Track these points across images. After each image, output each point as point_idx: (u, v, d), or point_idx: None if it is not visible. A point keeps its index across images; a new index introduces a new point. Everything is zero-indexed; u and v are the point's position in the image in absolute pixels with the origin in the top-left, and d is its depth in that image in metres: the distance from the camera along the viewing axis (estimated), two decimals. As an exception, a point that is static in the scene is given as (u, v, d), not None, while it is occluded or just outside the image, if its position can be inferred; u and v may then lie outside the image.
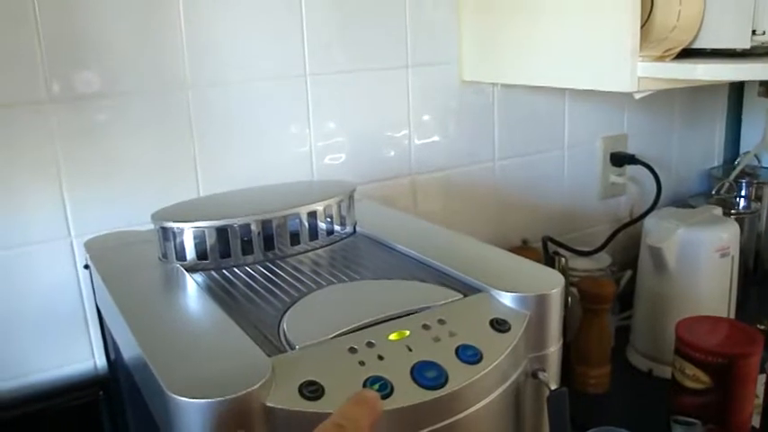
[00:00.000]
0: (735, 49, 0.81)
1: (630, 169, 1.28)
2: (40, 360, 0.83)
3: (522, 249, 1.10)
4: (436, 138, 1.06)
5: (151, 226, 0.68)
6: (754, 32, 0.79)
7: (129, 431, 0.74)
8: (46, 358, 0.84)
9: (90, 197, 0.82)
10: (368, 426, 0.40)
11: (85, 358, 0.86)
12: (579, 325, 1.00)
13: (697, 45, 0.83)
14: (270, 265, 0.65)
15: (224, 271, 0.65)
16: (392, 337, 0.50)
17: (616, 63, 0.82)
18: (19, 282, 0.80)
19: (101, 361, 0.86)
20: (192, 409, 0.42)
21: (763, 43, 0.80)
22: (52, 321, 0.83)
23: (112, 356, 0.75)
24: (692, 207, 1.14)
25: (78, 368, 0.86)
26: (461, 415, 0.48)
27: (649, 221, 1.06)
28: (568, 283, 1.03)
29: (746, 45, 0.80)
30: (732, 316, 1.06)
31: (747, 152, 1.36)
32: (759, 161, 1.37)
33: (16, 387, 0.83)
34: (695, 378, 0.85)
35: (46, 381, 0.84)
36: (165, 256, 0.66)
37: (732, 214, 1.25)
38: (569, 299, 1.03)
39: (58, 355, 0.85)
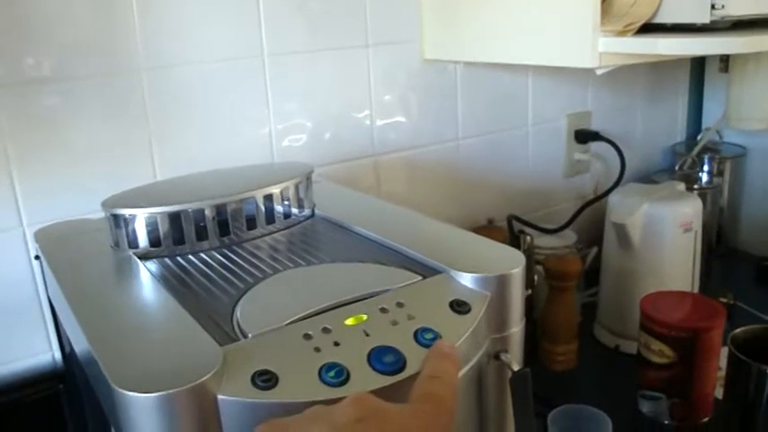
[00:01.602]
0: (695, 24, 0.81)
1: (595, 146, 1.28)
2: (-3, 354, 0.81)
3: (488, 228, 1.09)
4: (399, 118, 1.04)
5: (101, 216, 0.65)
6: (713, 7, 0.78)
7: (88, 426, 0.73)
8: (2, 352, 0.82)
9: (42, 185, 0.80)
10: (457, 375, 0.43)
11: (43, 351, 0.84)
12: (545, 303, 1.00)
13: (657, 20, 0.83)
14: (226, 251, 0.63)
15: (178, 258, 0.63)
16: (349, 321, 0.48)
17: (577, 38, 0.81)
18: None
19: (59, 353, 0.84)
20: (139, 403, 0.41)
21: (722, 17, 0.80)
22: (7, 314, 0.81)
23: (67, 350, 0.72)
24: (656, 183, 1.15)
25: (36, 361, 0.84)
26: (421, 399, 0.47)
27: (613, 198, 1.06)
28: (534, 262, 1.03)
29: (706, 20, 0.79)
30: (696, 290, 1.07)
31: (709, 128, 1.37)
32: (721, 136, 1.38)
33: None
34: (660, 353, 0.86)
35: (4, 375, 0.82)
36: (117, 244, 0.64)
37: (695, 189, 1.27)
38: (535, 277, 1.03)
39: (15, 349, 0.83)
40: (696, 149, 1.31)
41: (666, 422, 0.87)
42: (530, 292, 1.01)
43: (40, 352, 0.84)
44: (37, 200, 0.80)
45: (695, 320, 0.85)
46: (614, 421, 0.79)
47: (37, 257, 0.70)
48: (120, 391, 0.41)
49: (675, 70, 1.41)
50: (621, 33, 0.80)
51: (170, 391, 0.40)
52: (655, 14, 0.83)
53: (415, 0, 1.01)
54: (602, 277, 1.10)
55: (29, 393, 0.81)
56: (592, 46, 0.80)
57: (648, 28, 0.83)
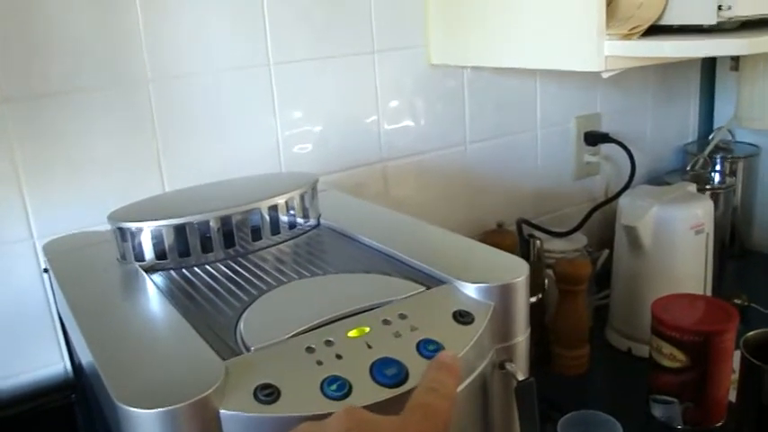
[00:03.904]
0: (702, 26, 0.80)
1: (605, 148, 1.27)
2: (9, 365, 0.82)
3: (497, 232, 1.09)
4: (406, 123, 1.04)
5: (108, 228, 0.66)
6: (719, 8, 0.78)
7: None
8: (16, 363, 0.82)
9: (52, 198, 0.80)
10: (455, 387, 0.41)
11: (55, 361, 0.85)
12: (556, 307, 1.00)
13: (664, 22, 0.83)
14: (231, 263, 0.64)
15: (184, 270, 0.63)
16: (351, 334, 0.48)
17: (583, 42, 0.81)
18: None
19: (70, 364, 0.85)
20: (140, 419, 0.41)
21: (729, 18, 0.79)
22: (20, 325, 0.82)
23: (77, 361, 0.73)
24: (668, 184, 1.14)
25: (49, 372, 0.85)
26: (424, 411, 0.47)
27: (623, 200, 1.05)
28: (544, 266, 1.03)
29: (713, 21, 0.79)
30: (709, 292, 1.06)
31: (721, 127, 1.36)
32: (732, 136, 1.36)
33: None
34: (672, 357, 0.85)
35: (17, 385, 0.83)
36: (123, 257, 0.65)
37: (707, 190, 1.25)
38: (546, 281, 1.02)
39: (28, 359, 0.83)
40: (708, 149, 1.30)
41: (679, 427, 0.86)
42: (540, 296, 1.01)
43: (53, 363, 0.85)
44: (47, 212, 0.80)
45: (707, 324, 0.84)
46: (627, 426, 0.79)
47: (46, 270, 0.71)
48: (123, 406, 0.41)
49: (686, 70, 1.39)
50: (627, 36, 0.80)
51: (172, 407, 0.41)
52: (661, 16, 0.83)
53: (420, 6, 1.01)
54: (613, 280, 1.09)
55: (42, 403, 0.82)
56: (597, 50, 0.79)
57: (655, 30, 0.82)
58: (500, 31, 0.92)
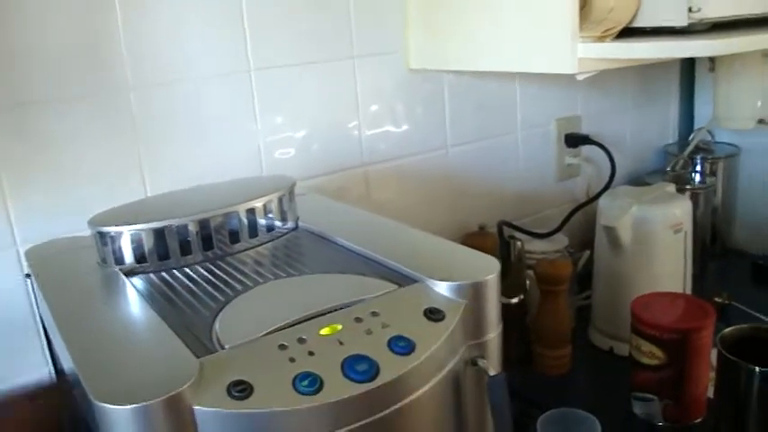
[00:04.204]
0: (674, 27, 0.82)
1: (585, 150, 1.28)
2: (-4, 370, 0.82)
3: (479, 235, 1.10)
4: (387, 127, 1.05)
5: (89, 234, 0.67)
6: (690, 10, 0.79)
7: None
8: (2, 368, 0.83)
9: (35, 204, 0.81)
10: None
11: (40, 366, 0.85)
12: (537, 307, 1.01)
13: (637, 24, 0.84)
14: (210, 265, 0.65)
15: (164, 273, 0.64)
16: (323, 331, 0.49)
17: (557, 45, 0.82)
18: (-34, 292, 0.79)
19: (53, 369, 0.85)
20: (116, 415, 0.42)
21: (700, 20, 0.80)
22: (4, 331, 0.82)
23: (59, 366, 0.74)
24: (648, 184, 1.15)
25: (34, 377, 0.85)
26: (396, 406, 0.48)
27: (603, 201, 1.06)
28: (525, 267, 1.04)
29: (684, 22, 0.80)
30: (689, 291, 1.07)
31: (701, 128, 1.37)
32: (712, 136, 1.38)
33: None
34: (651, 354, 0.86)
35: (3, 390, 0.83)
36: (104, 260, 0.65)
37: (687, 190, 1.27)
38: (527, 282, 1.04)
39: (13, 365, 0.83)
40: (688, 150, 1.31)
41: (660, 424, 0.87)
42: (522, 297, 1.03)
43: (37, 367, 0.85)
44: (29, 219, 0.81)
45: (684, 321, 0.85)
46: (608, 423, 0.79)
47: (28, 276, 0.72)
48: (99, 403, 0.42)
49: (665, 72, 1.41)
50: (600, 39, 0.81)
51: (146, 403, 0.42)
52: (634, 19, 0.84)
53: (399, 11, 1.02)
54: (594, 280, 1.10)
55: (29, 408, 0.82)
56: (571, 52, 0.81)
57: (629, 32, 0.84)
58: (477, 35, 0.93)
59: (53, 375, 0.86)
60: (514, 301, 1.01)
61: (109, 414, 0.42)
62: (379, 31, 1.01)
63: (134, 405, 0.42)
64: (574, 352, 1.02)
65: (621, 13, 0.82)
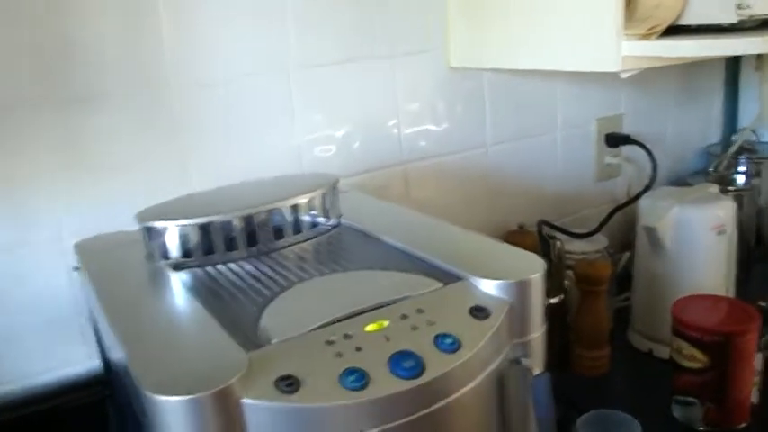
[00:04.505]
0: (721, 25, 0.80)
1: (626, 150, 1.27)
2: (42, 361, 0.85)
3: (519, 234, 1.09)
4: (426, 126, 1.06)
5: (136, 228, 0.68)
6: (738, 6, 0.78)
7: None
8: (48, 359, 0.85)
9: (82, 200, 0.83)
10: None
11: (85, 359, 0.87)
12: (577, 308, 1.00)
13: (683, 22, 0.83)
14: (254, 261, 0.65)
15: (209, 268, 0.65)
16: (370, 327, 0.50)
17: (601, 43, 0.82)
18: (17, 285, 0.81)
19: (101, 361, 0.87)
20: (167, 406, 0.43)
21: (750, 17, 0.79)
22: (51, 323, 0.84)
23: (107, 358, 0.75)
24: (690, 185, 1.14)
25: (82, 368, 0.87)
26: (441, 403, 0.48)
27: (644, 201, 1.05)
28: (565, 267, 1.03)
29: (732, 20, 0.79)
30: (731, 293, 1.06)
31: (745, 128, 1.35)
32: (757, 136, 1.35)
33: (21, 389, 0.84)
34: (692, 357, 0.85)
35: (48, 381, 0.85)
36: (150, 255, 0.67)
37: (730, 191, 1.24)
38: (566, 282, 1.03)
39: (60, 356, 0.86)
40: (731, 150, 1.29)
41: (701, 428, 0.86)
42: (562, 297, 1.02)
43: (82, 360, 0.87)
44: (77, 213, 0.83)
45: (728, 324, 0.84)
46: (647, 427, 0.78)
47: (76, 269, 0.73)
48: (150, 395, 0.43)
49: (709, 70, 1.39)
50: (645, 37, 0.80)
51: (197, 395, 0.42)
52: (680, 16, 0.83)
53: (440, 10, 1.02)
54: (634, 281, 1.09)
55: (72, 399, 0.84)
56: (615, 50, 0.80)
57: (674, 30, 0.83)
58: (519, 33, 0.93)
59: (99, 367, 0.87)
60: (554, 301, 1.01)
61: (159, 405, 0.43)
62: (419, 29, 1.01)
63: (184, 396, 0.42)
64: (612, 354, 1.01)
65: (667, 10, 0.81)
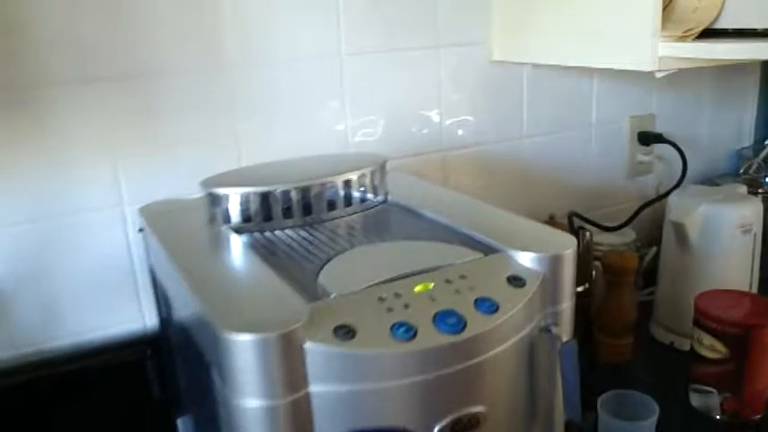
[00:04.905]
0: (757, 29, 0.83)
1: (658, 148, 1.30)
2: (93, 320, 0.90)
3: (550, 223, 1.12)
4: (466, 116, 1.10)
5: (196, 196, 0.74)
6: (775, 12, 0.81)
7: (179, 385, 0.81)
8: (99, 318, 0.90)
9: (141, 169, 0.88)
10: None
11: (135, 319, 0.92)
12: (603, 297, 1.04)
13: (719, 25, 0.86)
14: (308, 229, 0.71)
15: (267, 233, 0.71)
16: (417, 288, 0.55)
17: (638, 43, 0.85)
18: (75, 246, 0.87)
19: (150, 321, 0.93)
20: (241, 344, 0.48)
21: (786, 22, 0.82)
22: (105, 284, 0.90)
23: (164, 314, 0.81)
24: (719, 186, 1.16)
25: (128, 328, 0.92)
26: (478, 359, 0.53)
27: (673, 198, 1.08)
28: (592, 257, 1.07)
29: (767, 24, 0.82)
30: (755, 291, 1.08)
31: (777, 132, 1.37)
32: (790, 141, 1.37)
33: (71, 344, 0.89)
34: (712, 348, 0.88)
35: (99, 339, 0.91)
36: (212, 219, 0.73)
37: (760, 193, 1.27)
38: (594, 272, 1.06)
39: (110, 316, 0.91)
40: (763, 153, 1.31)
41: (718, 417, 0.89)
42: (587, 285, 1.05)
43: (132, 320, 0.92)
44: (135, 181, 0.88)
45: (748, 317, 0.87)
46: (666, 414, 0.81)
47: (141, 230, 0.79)
48: (225, 333, 0.49)
49: (743, 73, 1.41)
50: (681, 38, 0.83)
51: (267, 334, 0.48)
52: (716, 20, 0.86)
53: (485, 4, 1.07)
54: (659, 275, 1.12)
55: (119, 356, 0.89)
56: (652, 50, 0.83)
57: (711, 33, 0.86)
58: (560, 31, 0.96)
59: (147, 327, 0.93)
60: (580, 289, 1.04)
61: (233, 343, 0.49)
62: (464, 23, 1.06)
63: (256, 335, 0.48)
64: (635, 344, 1.05)
65: (705, 13, 0.85)
